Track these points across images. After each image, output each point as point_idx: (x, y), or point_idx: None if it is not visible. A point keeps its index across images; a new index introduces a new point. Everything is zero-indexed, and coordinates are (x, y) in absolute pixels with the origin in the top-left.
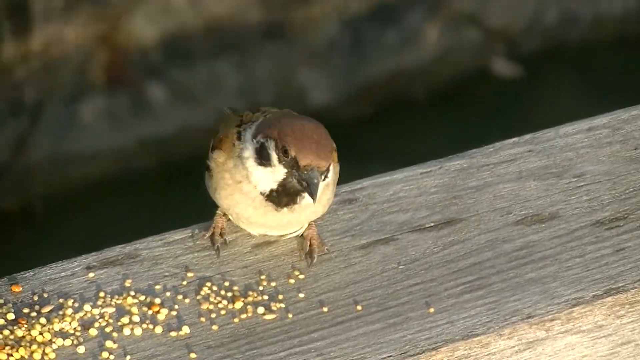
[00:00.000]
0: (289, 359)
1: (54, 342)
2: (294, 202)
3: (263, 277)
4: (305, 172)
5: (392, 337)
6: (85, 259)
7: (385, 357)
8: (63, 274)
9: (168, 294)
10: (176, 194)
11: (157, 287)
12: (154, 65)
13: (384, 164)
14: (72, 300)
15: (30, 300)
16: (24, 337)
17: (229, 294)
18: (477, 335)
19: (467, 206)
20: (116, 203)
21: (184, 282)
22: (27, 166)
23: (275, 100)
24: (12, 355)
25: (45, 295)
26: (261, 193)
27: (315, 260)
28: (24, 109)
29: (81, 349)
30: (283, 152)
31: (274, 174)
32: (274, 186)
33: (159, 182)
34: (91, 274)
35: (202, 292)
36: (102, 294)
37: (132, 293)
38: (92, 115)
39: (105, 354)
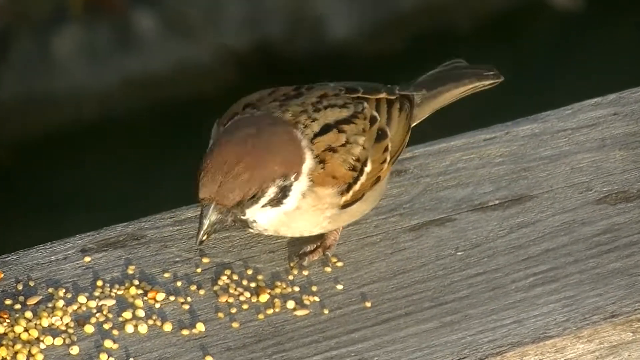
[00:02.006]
0: None
1: (42, 341)
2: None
3: (293, 263)
4: (201, 205)
5: (448, 338)
6: (80, 239)
7: None
8: (53, 258)
9: (179, 283)
10: (171, 145)
11: (166, 275)
12: None
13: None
14: (63, 290)
15: (14, 290)
16: (5, 334)
17: (253, 285)
18: (551, 337)
19: (538, 180)
20: (100, 155)
21: (198, 270)
22: None
23: (286, 36)
24: None
25: (32, 283)
26: None
27: (305, 264)
28: None
29: (75, 350)
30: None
31: None
32: None
33: (149, 129)
34: (87, 258)
35: (220, 282)
36: (100, 283)
37: (136, 282)
38: (69, 49)
39: (103, 356)
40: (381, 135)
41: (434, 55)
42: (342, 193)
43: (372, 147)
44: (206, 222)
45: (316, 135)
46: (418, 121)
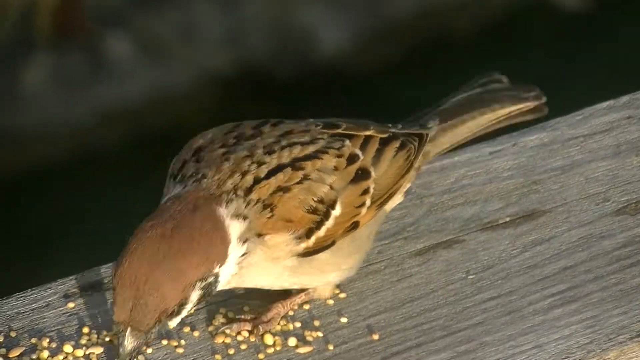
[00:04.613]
0: None
1: None
2: None
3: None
4: (118, 330)
5: None
6: (62, 284)
7: None
8: (34, 306)
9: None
10: (152, 177)
11: None
12: (115, 11)
13: None
14: (47, 340)
15: None
16: None
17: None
18: None
19: (551, 194)
20: (77, 192)
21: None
22: None
23: (271, 53)
24: None
25: (13, 334)
26: None
27: (260, 332)
28: None
29: None
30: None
31: None
32: None
33: (128, 161)
34: (71, 304)
35: (215, 322)
36: (86, 330)
37: None
38: (38, 80)
39: None
40: (361, 176)
41: (433, 65)
42: (300, 238)
43: (345, 188)
44: (123, 352)
45: (259, 180)
46: (433, 157)
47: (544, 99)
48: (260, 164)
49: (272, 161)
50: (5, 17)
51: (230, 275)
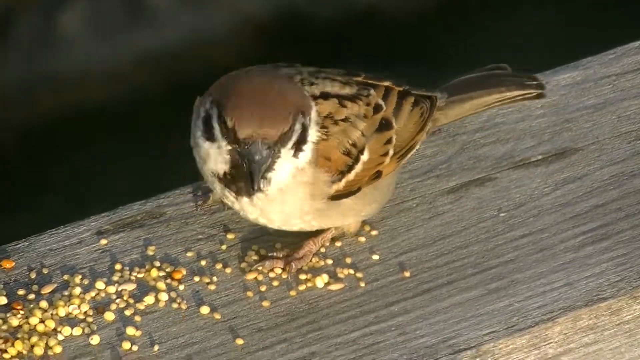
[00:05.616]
0: (363, 341)
1: (60, 332)
2: (253, 190)
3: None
4: (246, 147)
5: (494, 306)
6: (95, 221)
7: (487, 334)
8: (67, 243)
9: (203, 262)
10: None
11: (189, 254)
12: None
13: (464, 69)
14: (80, 277)
15: (27, 279)
16: (20, 326)
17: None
18: (605, 299)
19: (583, 132)
20: (112, 137)
21: (223, 247)
22: None
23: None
24: (6, 351)
25: (45, 271)
26: (215, 175)
27: (293, 270)
28: None
29: (95, 339)
30: (223, 122)
31: (221, 152)
32: (226, 168)
33: (164, 105)
34: (103, 241)
35: (248, 259)
36: (118, 267)
37: (157, 264)
38: (76, 24)
39: (126, 344)
40: (384, 125)
41: (467, 12)
42: (334, 182)
43: (372, 135)
44: (259, 162)
45: (316, 97)
46: (440, 125)
47: (544, 89)
48: (311, 83)
49: (319, 84)
50: None
51: (309, 149)
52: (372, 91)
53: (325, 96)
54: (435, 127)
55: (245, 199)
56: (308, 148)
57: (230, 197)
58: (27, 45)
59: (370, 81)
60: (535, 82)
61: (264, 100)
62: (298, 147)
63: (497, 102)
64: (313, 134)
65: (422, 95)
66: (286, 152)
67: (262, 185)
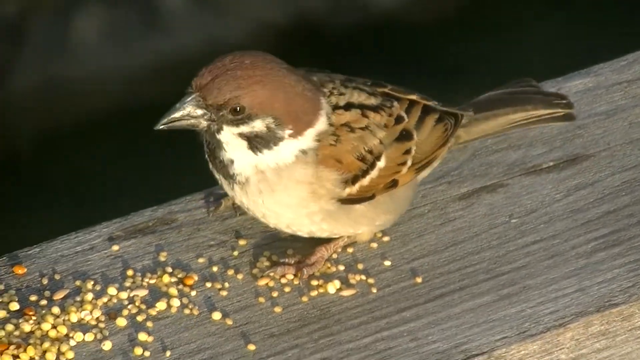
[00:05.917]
0: (375, 347)
1: (72, 338)
2: (220, 162)
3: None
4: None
5: (506, 312)
6: (106, 227)
7: (499, 339)
8: (79, 249)
9: (215, 268)
10: None
11: (201, 260)
12: None
13: (481, 77)
14: (92, 282)
15: (39, 285)
16: (32, 332)
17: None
18: (617, 305)
19: (595, 138)
20: (127, 144)
21: (235, 253)
22: (9, 98)
23: (327, 6)
24: (18, 357)
25: (57, 277)
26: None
27: (305, 276)
28: (3, 26)
29: (107, 345)
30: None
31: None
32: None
33: None
34: (115, 247)
35: (259, 265)
36: (130, 273)
37: (169, 269)
38: (91, 31)
39: (138, 350)
40: (405, 136)
41: (488, 21)
42: (346, 182)
43: (391, 144)
44: (178, 108)
45: (339, 108)
46: (462, 142)
47: (573, 109)
48: (340, 93)
49: (347, 95)
50: None
51: (290, 152)
52: (395, 103)
53: (348, 107)
54: (456, 144)
55: (237, 187)
56: (288, 151)
57: (225, 186)
58: (42, 50)
59: (395, 93)
60: (564, 101)
61: (236, 69)
62: (257, 145)
63: (522, 121)
64: (299, 144)
65: (448, 112)
66: (230, 134)
67: (162, 126)
